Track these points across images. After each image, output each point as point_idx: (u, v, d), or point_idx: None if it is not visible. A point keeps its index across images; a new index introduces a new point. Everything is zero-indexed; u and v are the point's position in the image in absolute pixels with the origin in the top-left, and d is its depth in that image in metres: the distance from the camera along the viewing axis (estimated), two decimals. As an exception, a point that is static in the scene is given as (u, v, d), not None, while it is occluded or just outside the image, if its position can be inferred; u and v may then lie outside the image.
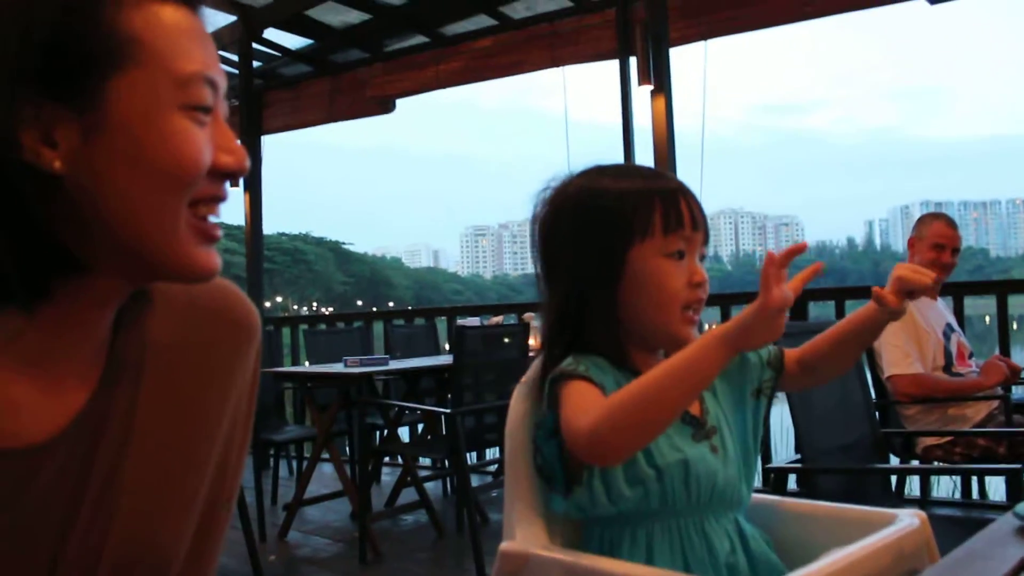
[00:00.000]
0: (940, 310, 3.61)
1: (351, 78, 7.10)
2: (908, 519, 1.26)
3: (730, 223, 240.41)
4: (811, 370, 1.42)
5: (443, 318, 6.47)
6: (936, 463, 3.33)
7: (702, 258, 1.34)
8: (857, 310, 1.38)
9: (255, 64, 7.21)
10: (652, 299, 1.29)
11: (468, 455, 3.77)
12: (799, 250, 1.16)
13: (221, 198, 0.79)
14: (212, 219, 0.79)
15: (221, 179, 0.79)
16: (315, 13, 6.56)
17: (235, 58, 6.92)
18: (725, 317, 4.84)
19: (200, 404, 0.88)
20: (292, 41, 7.14)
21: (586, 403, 1.21)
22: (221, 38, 6.65)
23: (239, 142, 0.80)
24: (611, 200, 1.31)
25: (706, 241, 1.34)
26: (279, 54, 7.25)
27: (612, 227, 1.30)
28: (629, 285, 1.30)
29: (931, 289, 1.34)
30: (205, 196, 0.77)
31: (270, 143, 7.48)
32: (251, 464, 4.73)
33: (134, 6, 0.73)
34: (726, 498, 1.31)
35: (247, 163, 0.80)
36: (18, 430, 0.75)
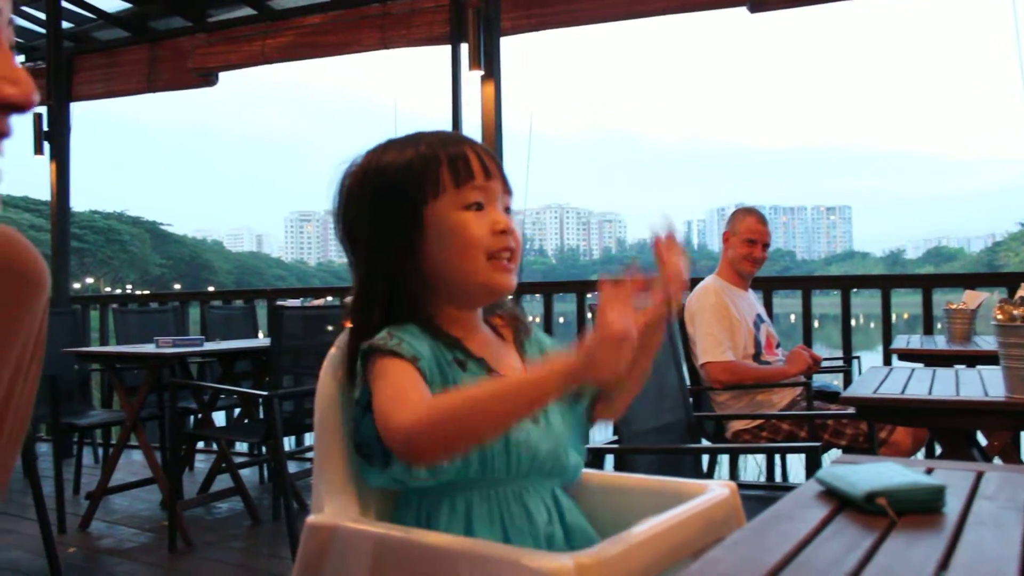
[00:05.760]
0: (751, 301, 3.78)
1: (172, 47, 6.73)
2: (718, 489, 1.30)
3: (556, 217, 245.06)
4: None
5: (263, 301, 6.27)
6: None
7: (507, 209, 1.33)
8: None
9: (65, 25, 6.72)
10: (456, 250, 1.28)
11: (286, 440, 3.67)
12: (642, 285, 1.11)
13: (4, 134, 0.72)
14: None
15: (4, 112, 0.71)
16: (134, -27, 6.22)
17: (42, 16, 6.45)
18: (548, 307, 4.99)
19: None
20: (108, 3, 6.70)
21: (405, 393, 1.16)
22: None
23: (27, 74, 0.72)
24: (398, 172, 1.30)
25: (508, 192, 1.34)
26: (93, 16, 6.78)
27: (404, 196, 1.29)
28: (432, 244, 1.28)
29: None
30: None
31: (82, 113, 7.06)
32: (51, 451, 4.44)
33: None
34: (546, 469, 1.30)
35: (35, 95, 0.72)
36: None
